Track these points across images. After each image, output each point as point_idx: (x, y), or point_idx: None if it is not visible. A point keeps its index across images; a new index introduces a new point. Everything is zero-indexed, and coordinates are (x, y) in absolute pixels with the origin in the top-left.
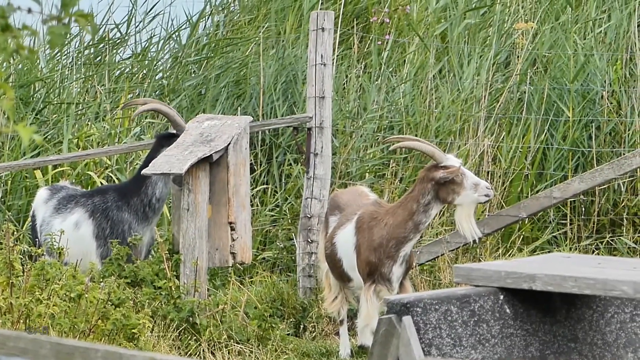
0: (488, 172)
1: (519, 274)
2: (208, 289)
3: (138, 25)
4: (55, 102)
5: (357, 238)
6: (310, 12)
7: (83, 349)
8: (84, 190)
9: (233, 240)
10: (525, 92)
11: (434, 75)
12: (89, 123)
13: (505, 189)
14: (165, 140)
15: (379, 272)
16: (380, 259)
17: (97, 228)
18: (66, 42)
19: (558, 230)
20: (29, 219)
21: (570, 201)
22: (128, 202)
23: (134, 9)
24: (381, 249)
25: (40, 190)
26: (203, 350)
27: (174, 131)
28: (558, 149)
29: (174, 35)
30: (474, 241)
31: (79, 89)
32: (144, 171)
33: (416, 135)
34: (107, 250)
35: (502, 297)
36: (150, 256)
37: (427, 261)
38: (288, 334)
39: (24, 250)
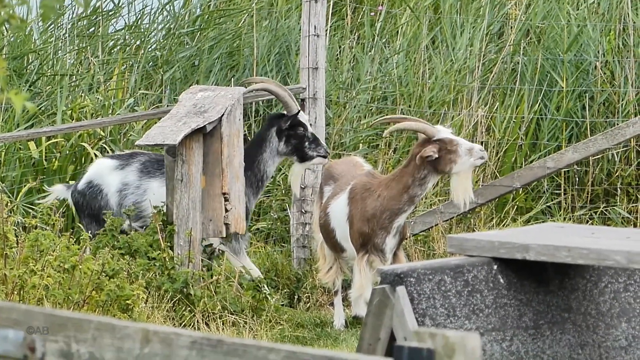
0: (482, 143)
1: (513, 244)
2: (202, 260)
3: None
4: (49, 74)
5: (350, 208)
6: None
7: (76, 320)
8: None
9: (227, 211)
10: (518, 63)
11: (427, 46)
12: (83, 95)
13: (499, 159)
14: (276, 120)
15: (372, 242)
16: (374, 229)
17: None
18: (59, 14)
19: (552, 200)
20: (21, 190)
21: (564, 171)
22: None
23: None
24: (374, 220)
25: (98, 160)
26: (197, 321)
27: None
28: (552, 119)
29: (167, 7)
30: (467, 211)
31: (72, 61)
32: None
33: (409, 106)
34: None
35: (495, 267)
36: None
37: (421, 231)
38: (282, 305)
39: (17, 222)
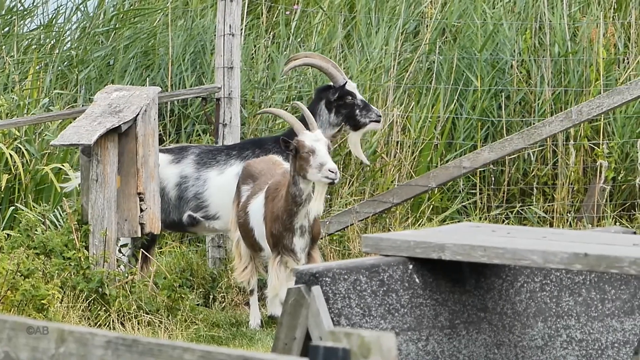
0: (397, 142)
1: (428, 243)
2: (117, 260)
3: None
4: None
5: (265, 209)
6: None
7: None
8: (223, 145)
9: (142, 210)
10: (434, 62)
11: (341, 45)
12: None
13: (414, 158)
14: (323, 92)
15: (281, 243)
16: (280, 230)
17: None
18: None
19: (468, 200)
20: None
21: (480, 171)
22: None
23: None
24: (279, 220)
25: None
26: (113, 321)
27: (331, 83)
28: (467, 118)
29: (81, 6)
30: (382, 211)
31: None
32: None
33: None
34: None
35: (411, 266)
36: None
37: (336, 231)
38: (197, 304)
39: None
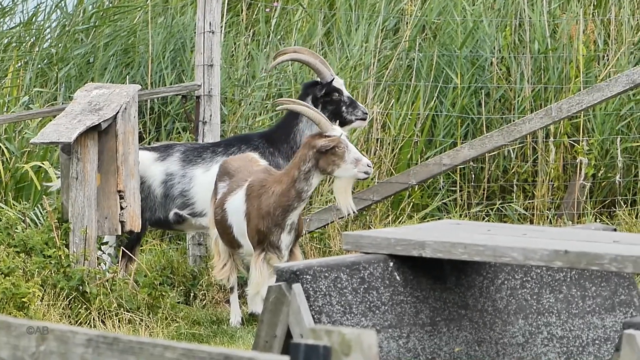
0: (377, 139)
1: (409, 241)
2: (97, 258)
3: None
4: None
5: (247, 205)
6: None
7: None
8: (209, 142)
9: (122, 208)
10: (414, 59)
11: (321, 43)
12: None
13: (394, 156)
14: (310, 88)
15: (268, 240)
16: (269, 227)
17: None
18: None
19: (448, 197)
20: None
21: (460, 168)
22: (279, 149)
23: None
24: (269, 217)
25: (139, 153)
26: (93, 319)
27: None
28: (447, 115)
29: (60, 4)
30: (363, 208)
31: None
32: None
33: None
34: None
35: (392, 264)
36: None
37: (316, 228)
38: (178, 302)
39: None
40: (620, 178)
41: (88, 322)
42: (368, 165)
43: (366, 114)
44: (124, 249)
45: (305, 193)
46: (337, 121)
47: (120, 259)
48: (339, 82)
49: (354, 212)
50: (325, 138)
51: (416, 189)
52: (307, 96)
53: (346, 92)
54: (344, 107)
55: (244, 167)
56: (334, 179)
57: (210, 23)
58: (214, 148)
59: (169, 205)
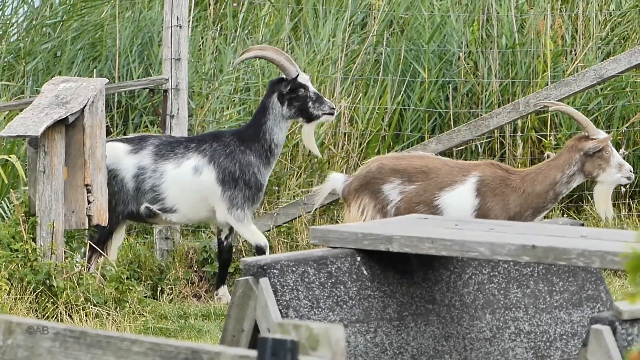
0: (345, 134)
1: (376, 235)
2: (65, 252)
3: None
4: None
5: (480, 201)
6: None
7: None
8: (183, 136)
9: (89, 202)
10: (381, 54)
11: (289, 37)
12: None
13: (362, 150)
14: (276, 85)
15: None
16: None
17: (221, 173)
18: None
19: None
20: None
21: None
22: (250, 147)
23: None
24: (517, 217)
25: (110, 144)
26: (60, 313)
27: (284, 76)
28: (415, 110)
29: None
30: (331, 203)
31: None
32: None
33: None
34: (238, 191)
35: (359, 258)
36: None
37: (284, 223)
38: (145, 297)
39: None
40: None
41: (55, 316)
42: (630, 171)
43: (333, 108)
44: (92, 244)
45: (561, 196)
46: (305, 117)
47: (87, 253)
48: (304, 78)
49: (612, 218)
50: (593, 140)
51: None
52: (273, 93)
53: (312, 88)
54: (310, 103)
55: (426, 163)
56: (594, 183)
57: (177, 17)
58: (187, 143)
59: (140, 199)
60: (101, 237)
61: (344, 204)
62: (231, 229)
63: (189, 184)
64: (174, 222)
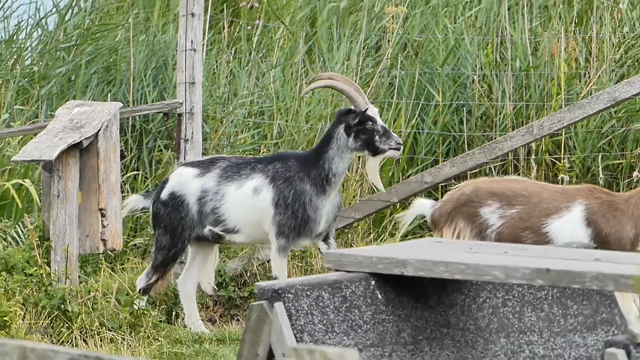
0: (359, 157)
1: (390, 259)
2: (79, 276)
3: (7, 11)
4: None
5: (593, 229)
6: None
7: None
8: (252, 157)
9: (103, 226)
10: (396, 77)
11: (303, 60)
12: None
13: None
14: (344, 116)
15: None
16: (634, 249)
17: (277, 195)
18: None
19: None
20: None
21: (442, 186)
22: (309, 174)
23: None
24: (636, 241)
25: (179, 169)
26: (75, 338)
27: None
28: (429, 133)
29: (41, 22)
30: (345, 226)
31: None
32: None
33: (287, 120)
34: (286, 219)
35: (373, 282)
36: (332, 229)
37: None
38: (160, 321)
39: None
40: None
41: (70, 341)
42: None
43: (400, 144)
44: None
45: None
46: (370, 151)
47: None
48: (373, 111)
49: None
50: None
51: (398, 207)
52: (340, 124)
53: (380, 122)
54: (377, 137)
55: (524, 188)
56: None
57: (192, 41)
58: (255, 164)
59: (203, 221)
60: (164, 261)
61: (433, 229)
62: (327, 236)
63: (248, 204)
64: (239, 243)
